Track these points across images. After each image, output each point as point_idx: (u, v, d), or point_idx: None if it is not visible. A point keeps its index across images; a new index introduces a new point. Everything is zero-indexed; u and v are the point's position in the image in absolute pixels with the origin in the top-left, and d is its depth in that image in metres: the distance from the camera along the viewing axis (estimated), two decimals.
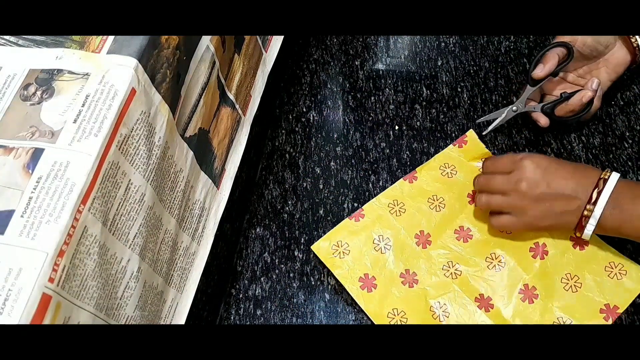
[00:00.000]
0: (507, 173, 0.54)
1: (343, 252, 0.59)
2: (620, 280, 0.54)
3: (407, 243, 0.59)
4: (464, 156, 0.64)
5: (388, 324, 0.55)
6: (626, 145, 0.63)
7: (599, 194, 0.49)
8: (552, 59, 0.58)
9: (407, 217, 0.60)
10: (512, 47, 0.73)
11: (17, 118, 0.35)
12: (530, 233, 0.58)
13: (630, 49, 0.58)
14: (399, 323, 0.55)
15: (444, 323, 0.55)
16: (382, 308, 0.56)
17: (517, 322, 0.54)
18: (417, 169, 0.63)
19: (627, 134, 0.64)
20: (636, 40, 0.57)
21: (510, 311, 0.55)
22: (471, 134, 0.65)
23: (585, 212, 0.50)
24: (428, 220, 0.60)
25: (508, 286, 0.56)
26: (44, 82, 0.37)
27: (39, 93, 0.37)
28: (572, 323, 0.54)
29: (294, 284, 0.59)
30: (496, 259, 0.58)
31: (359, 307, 0.56)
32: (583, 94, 0.58)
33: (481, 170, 0.60)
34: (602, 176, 0.51)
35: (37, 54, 0.39)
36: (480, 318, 0.55)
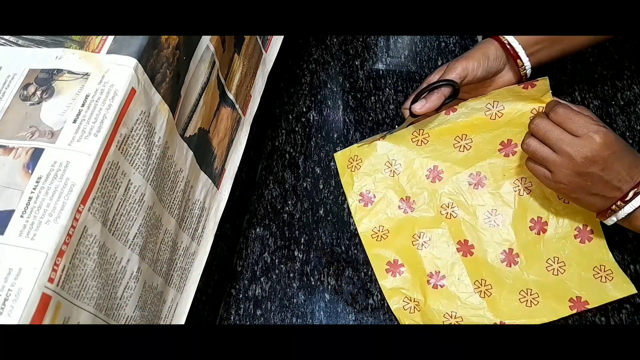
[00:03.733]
0: (574, 135, 0.49)
1: (355, 166, 0.62)
2: (604, 283, 0.54)
3: (417, 173, 0.60)
4: (522, 99, 0.56)
5: (370, 237, 0.59)
6: None
7: (635, 194, 0.48)
8: (436, 99, 0.55)
9: (427, 149, 0.60)
10: None
11: (16, 118, 0.35)
12: (539, 205, 0.57)
13: (516, 73, 0.57)
14: (380, 239, 0.58)
15: (419, 252, 0.57)
16: (370, 222, 0.59)
17: (488, 278, 0.56)
18: (461, 103, 0.58)
19: (627, 134, 0.64)
20: (523, 64, 0.56)
21: (486, 266, 0.56)
22: (543, 82, 0.54)
23: (614, 207, 0.49)
24: (446, 158, 0.59)
25: (494, 243, 0.57)
26: (44, 82, 0.37)
27: (38, 93, 0.37)
28: (537, 298, 0.54)
29: (294, 284, 0.59)
30: (494, 215, 0.58)
31: (359, 306, 0.56)
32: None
33: (543, 109, 0.53)
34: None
35: (37, 54, 0.39)
36: (455, 259, 0.57)
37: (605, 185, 0.49)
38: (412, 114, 0.57)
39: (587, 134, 0.48)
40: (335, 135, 0.68)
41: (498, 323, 0.54)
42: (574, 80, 0.68)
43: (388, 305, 0.57)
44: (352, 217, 0.62)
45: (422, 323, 0.55)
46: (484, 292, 0.55)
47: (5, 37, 0.40)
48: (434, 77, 0.58)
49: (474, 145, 0.58)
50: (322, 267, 0.60)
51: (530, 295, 0.54)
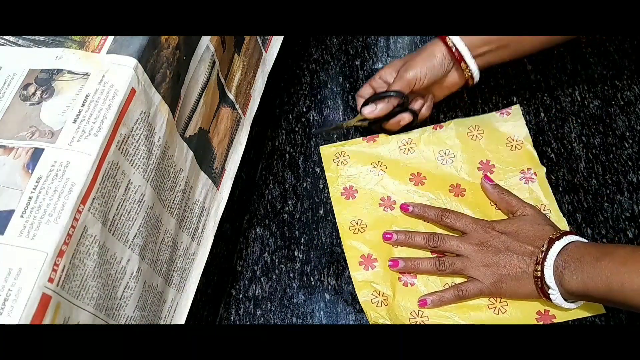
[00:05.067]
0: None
1: (342, 161, 0.64)
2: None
3: (400, 176, 0.62)
4: (499, 123, 0.64)
5: (347, 228, 0.60)
6: (626, 145, 0.63)
7: (545, 253, 0.49)
8: (385, 108, 0.60)
9: (412, 158, 0.63)
10: None
11: (16, 118, 0.35)
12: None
13: (461, 75, 0.60)
14: (357, 232, 0.60)
15: (394, 249, 0.58)
16: (349, 214, 0.61)
17: (458, 281, 0.56)
18: (448, 121, 0.65)
19: (627, 134, 0.64)
20: (468, 67, 0.58)
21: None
22: (516, 109, 0.64)
23: (535, 273, 0.50)
24: (430, 168, 0.62)
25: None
26: (44, 82, 0.37)
27: (38, 93, 0.37)
28: (506, 307, 0.54)
29: (294, 284, 0.59)
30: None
31: (359, 306, 0.56)
32: (401, 118, 0.61)
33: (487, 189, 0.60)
34: (552, 235, 0.51)
35: (37, 54, 0.39)
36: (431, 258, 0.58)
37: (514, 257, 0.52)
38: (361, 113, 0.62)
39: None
40: (335, 135, 0.68)
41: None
42: (574, 80, 0.68)
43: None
44: None
45: (387, 318, 0.55)
46: None
47: (5, 37, 0.40)
48: (385, 74, 0.62)
49: (455, 160, 0.62)
50: (322, 267, 0.60)
51: (500, 302, 0.55)
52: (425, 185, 0.61)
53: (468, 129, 0.63)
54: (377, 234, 0.59)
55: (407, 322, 0.55)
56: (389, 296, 0.56)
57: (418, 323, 0.54)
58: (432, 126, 0.64)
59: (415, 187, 0.61)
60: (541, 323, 0.53)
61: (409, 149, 0.63)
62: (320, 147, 0.65)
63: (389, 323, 0.55)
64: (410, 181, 0.62)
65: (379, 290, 0.56)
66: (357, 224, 0.60)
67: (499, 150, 0.62)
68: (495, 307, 0.55)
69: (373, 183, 0.62)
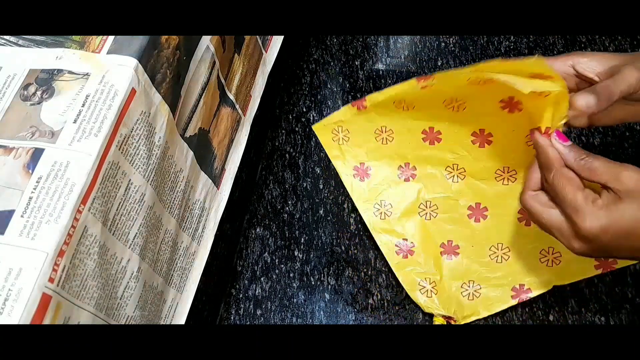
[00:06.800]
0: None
1: (343, 138, 0.54)
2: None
3: (412, 137, 0.52)
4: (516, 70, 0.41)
5: (373, 215, 0.54)
6: (626, 145, 0.63)
7: None
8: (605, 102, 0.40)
9: (415, 112, 0.50)
10: (512, 47, 0.73)
11: (17, 118, 0.35)
12: None
13: None
14: (384, 214, 0.54)
15: (427, 222, 0.53)
16: (370, 197, 0.54)
17: (504, 241, 0.52)
18: (434, 74, 0.45)
19: (627, 134, 0.64)
20: None
21: (501, 229, 0.52)
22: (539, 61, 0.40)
23: None
24: (441, 118, 0.50)
25: (509, 203, 0.51)
26: (44, 82, 0.37)
27: (39, 93, 0.37)
28: (559, 257, 0.51)
29: (294, 284, 0.59)
30: (508, 173, 0.50)
31: (359, 306, 0.56)
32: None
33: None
34: None
35: (37, 54, 0.39)
36: (467, 225, 0.53)
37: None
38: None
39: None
40: None
41: (517, 287, 0.52)
42: None
43: (388, 305, 0.57)
44: (351, 217, 0.62)
45: (441, 307, 0.53)
46: (501, 257, 0.52)
47: (5, 37, 0.40)
48: (589, 61, 0.42)
49: (468, 105, 0.48)
50: (322, 267, 0.60)
51: (552, 254, 0.50)
52: (442, 142, 0.51)
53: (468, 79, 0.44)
54: (406, 212, 0.53)
55: (460, 298, 0.52)
56: (436, 280, 0.53)
57: (470, 294, 0.53)
58: (419, 81, 0.45)
59: (431, 146, 0.51)
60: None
61: (406, 107, 0.50)
62: (313, 126, 0.54)
63: (443, 313, 0.53)
64: (424, 141, 0.51)
65: (425, 275, 0.53)
66: (381, 206, 0.54)
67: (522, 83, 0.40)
68: (548, 260, 0.50)
69: (384, 154, 0.53)
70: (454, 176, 0.53)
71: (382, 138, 0.53)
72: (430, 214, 0.54)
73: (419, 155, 0.53)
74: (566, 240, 0.38)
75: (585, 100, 0.40)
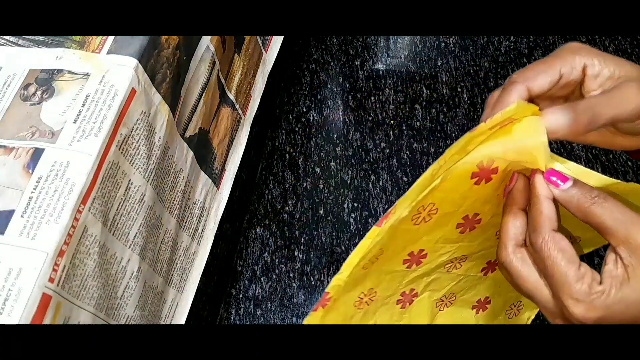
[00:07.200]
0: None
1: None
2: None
3: (395, 275, 0.44)
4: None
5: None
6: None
7: None
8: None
9: (384, 258, 0.41)
10: (512, 47, 0.73)
11: (17, 118, 0.35)
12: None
13: None
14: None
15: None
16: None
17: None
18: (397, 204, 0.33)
19: None
20: None
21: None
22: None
23: None
24: (413, 237, 0.41)
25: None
26: (44, 82, 0.37)
27: (39, 93, 0.37)
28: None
29: (294, 284, 0.59)
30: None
31: None
32: None
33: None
34: None
35: (37, 54, 0.39)
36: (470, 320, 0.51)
37: None
38: None
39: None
40: (335, 135, 0.68)
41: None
42: None
43: None
44: (351, 217, 0.62)
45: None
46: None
47: (5, 37, 0.40)
48: (572, 65, 0.32)
49: (439, 207, 0.38)
50: (322, 267, 0.60)
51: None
52: (427, 258, 0.43)
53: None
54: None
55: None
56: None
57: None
58: (376, 225, 0.33)
59: (417, 266, 0.43)
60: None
61: (371, 260, 0.39)
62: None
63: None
64: (409, 268, 0.43)
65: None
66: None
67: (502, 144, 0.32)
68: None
69: (376, 305, 0.44)
70: (454, 266, 0.45)
71: (365, 300, 0.44)
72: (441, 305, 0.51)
73: (412, 279, 0.44)
74: (550, 317, 0.31)
75: (555, 120, 0.30)
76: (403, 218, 0.38)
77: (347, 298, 0.43)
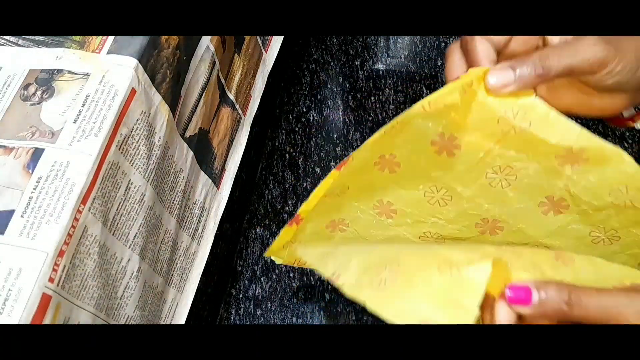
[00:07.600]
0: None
1: (299, 260, 0.43)
2: None
3: (367, 217, 0.43)
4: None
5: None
6: (626, 145, 0.63)
7: None
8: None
9: (351, 191, 0.41)
10: None
11: (17, 118, 0.35)
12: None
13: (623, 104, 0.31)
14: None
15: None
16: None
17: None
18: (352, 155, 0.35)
19: (627, 134, 0.64)
20: None
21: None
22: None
23: None
24: (381, 185, 0.40)
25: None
26: (44, 82, 0.37)
27: (39, 93, 0.37)
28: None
29: (294, 284, 0.59)
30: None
31: (359, 306, 0.56)
32: None
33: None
34: None
35: (37, 54, 0.39)
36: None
37: None
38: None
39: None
40: (335, 135, 0.68)
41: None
42: None
43: None
44: None
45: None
46: None
47: (5, 37, 0.40)
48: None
49: (401, 160, 0.38)
50: None
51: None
52: (397, 214, 0.42)
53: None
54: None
55: None
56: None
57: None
58: (336, 168, 0.36)
59: (388, 219, 0.42)
60: None
61: (341, 192, 0.41)
62: (265, 254, 0.42)
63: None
64: (380, 216, 0.43)
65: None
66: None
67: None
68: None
69: (348, 237, 0.43)
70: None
71: (337, 229, 0.43)
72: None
73: (384, 235, 0.43)
74: None
75: (496, 78, 0.28)
76: (365, 160, 0.38)
77: (319, 222, 0.43)
